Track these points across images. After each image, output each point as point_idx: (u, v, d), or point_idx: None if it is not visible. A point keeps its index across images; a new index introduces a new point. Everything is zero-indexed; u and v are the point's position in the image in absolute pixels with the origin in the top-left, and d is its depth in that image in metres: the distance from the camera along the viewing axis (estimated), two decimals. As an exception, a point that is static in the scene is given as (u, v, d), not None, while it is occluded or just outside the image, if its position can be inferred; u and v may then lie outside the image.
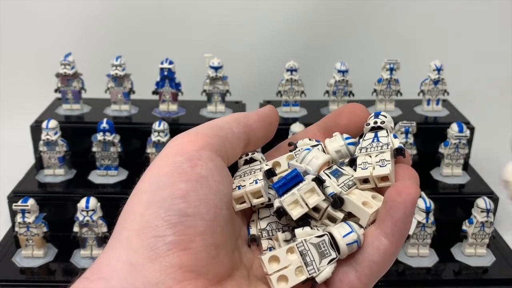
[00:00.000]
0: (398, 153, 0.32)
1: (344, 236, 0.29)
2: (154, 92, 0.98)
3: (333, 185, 0.31)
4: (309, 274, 0.29)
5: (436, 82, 0.97)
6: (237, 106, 1.03)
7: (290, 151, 0.35)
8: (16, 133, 1.06)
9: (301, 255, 0.29)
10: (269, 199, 0.32)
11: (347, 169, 0.33)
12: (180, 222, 0.27)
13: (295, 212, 0.30)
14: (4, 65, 1.26)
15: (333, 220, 0.31)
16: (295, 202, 0.30)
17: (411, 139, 0.87)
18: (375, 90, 0.98)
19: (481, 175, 0.92)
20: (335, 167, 0.33)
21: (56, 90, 0.98)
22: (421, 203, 0.77)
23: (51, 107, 1.00)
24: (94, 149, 0.88)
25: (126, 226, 0.28)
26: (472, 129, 0.93)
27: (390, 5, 1.24)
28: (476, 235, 0.79)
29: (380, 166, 0.31)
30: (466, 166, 0.93)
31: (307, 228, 0.30)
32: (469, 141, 0.92)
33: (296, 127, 0.86)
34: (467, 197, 0.86)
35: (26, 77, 1.26)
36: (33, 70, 1.26)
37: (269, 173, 0.32)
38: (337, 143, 0.34)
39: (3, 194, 0.87)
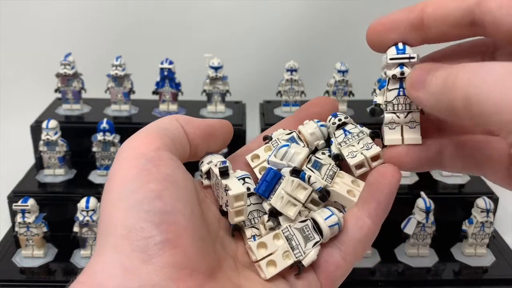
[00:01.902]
0: (375, 135, 0.35)
1: (325, 219, 0.31)
2: (154, 92, 0.98)
3: (319, 180, 0.32)
4: (296, 258, 0.30)
5: (436, 82, 0.97)
6: (237, 106, 1.03)
7: (266, 143, 0.36)
8: (16, 133, 1.06)
9: (287, 240, 0.31)
10: (248, 188, 0.33)
11: (323, 157, 0.35)
12: (163, 221, 0.27)
13: (291, 212, 0.31)
14: (4, 65, 1.26)
15: (317, 203, 0.33)
16: (288, 203, 0.31)
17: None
18: (374, 90, 0.98)
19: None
20: (313, 158, 0.34)
21: (56, 90, 0.98)
22: (421, 203, 0.77)
23: (51, 107, 1.00)
24: (94, 149, 0.88)
25: (110, 233, 0.27)
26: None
27: (390, 5, 1.24)
28: (476, 235, 0.79)
29: (367, 149, 0.34)
30: (466, 166, 0.93)
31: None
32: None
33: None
34: (467, 197, 0.86)
35: (26, 77, 1.26)
36: (33, 70, 1.26)
37: (224, 173, 0.32)
38: (310, 126, 0.36)
39: (3, 194, 0.87)
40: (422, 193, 0.78)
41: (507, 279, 0.77)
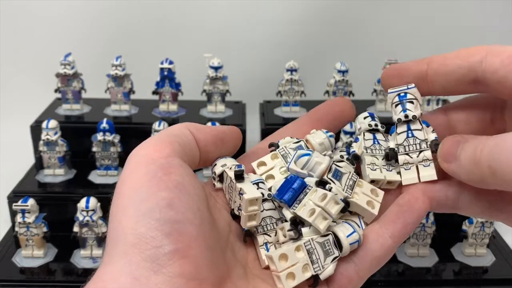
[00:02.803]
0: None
1: (347, 236, 0.30)
2: (154, 92, 0.98)
3: (340, 191, 0.32)
4: (315, 272, 0.30)
5: (436, 82, 0.97)
6: (237, 106, 1.03)
7: (271, 151, 0.35)
8: (16, 133, 1.06)
9: (308, 253, 0.30)
10: (262, 194, 0.32)
11: (342, 164, 0.34)
12: (173, 230, 0.27)
13: (322, 226, 0.31)
14: (4, 65, 1.26)
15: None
16: (320, 216, 0.31)
17: (411, 139, 0.86)
18: (375, 90, 0.98)
19: (481, 175, 0.92)
20: (334, 167, 0.33)
21: (56, 90, 0.98)
22: (421, 203, 0.77)
23: (51, 107, 1.00)
24: (94, 149, 0.88)
25: (120, 241, 0.27)
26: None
27: (390, 5, 1.24)
28: (476, 235, 0.79)
29: (388, 170, 0.34)
30: (466, 166, 0.93)
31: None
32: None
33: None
34: (467, 197, 0.86)
35: (26, 77, 1.26)
36: (33, 70, 1.26)
37: (239, 176, 0.32)
38: (319, 137, 0.36)
39: (3, 194, 0.87)
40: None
41: (507, 279, 0.77)
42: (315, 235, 0.31)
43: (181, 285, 0.26)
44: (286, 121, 0.95)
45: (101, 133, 0.86)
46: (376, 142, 0.35)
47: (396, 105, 0.34)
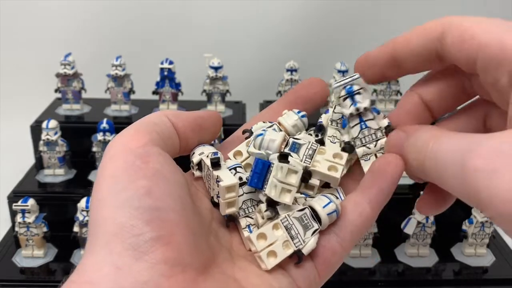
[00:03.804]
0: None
1: (323, 207, 0.30)
2: (154, 92, 0.98)
3: (297, 162, 0.32)
4: (296, 247, 0.30)
5: (436, 82, 0.97)
6: (237, 106, 1.03)
7: (246, 138, 0.35)
8: (16, 133, 1.06)
9: (287, 230, 0.30)
10: (241, 178, 0.33)
11: (301, 136, 0.34)
12: (154, 217, 0.27)
13: (287, 199, 0.31)
14: (4, 65, 1.26)
15: (312, 188, 0.33)
16: (283, 190, 0.31)
17: (411, 139, 0.87)
18: (375, 90, 0.98)
19: (481, 175, 0.92)
20: (291, 141, 0.33)
21: (56, 90, 0.98)
22: (421, 203, 0.77)
23: (51, 107, 1.00)
24: (94, 149, 0.88)
25: (100, 232, 0.27)
26: (472, 129, 0.93)
27: (390, 5, 1.24)
28: (476, 235, 0.79)
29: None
30: (466, 166, 0.93)
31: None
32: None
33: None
34: (467, 197, 0.86)
35: (26, 77, 1.26)
36: (33, 70, 1.26)
37: (215, 164, 0.32)
38: (291, 118, 0.35)
39: (3, 194, 0.87)
40: (422, 193, 0.78)
41: (507, 279, 0.77)
42: (291, 211, 0.31)
43: (164, 271, 0.26)
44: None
45: (101, 133, 0.86)
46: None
47: (345, 99, 0.34)
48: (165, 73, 0.96)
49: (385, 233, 0.79)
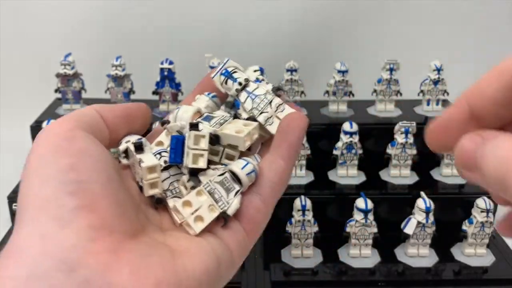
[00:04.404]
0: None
1: (242, 168, 0.32)
2: (154, 92, 0.98)
3: (206, 127, 0.34)
4: (221, 209, 0.32)
5: (436, 82, 0.97)
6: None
7: (165, 128, 0.37)
8: (16, 133, 1.06)
9: (210, 194, 0.32)
10: (165, 161, 0.34)
11: (218, 113, 0.37)
12: (77, 189, 0.28)
13: (201, 163, 0.33)
14: (4, 65, 1.26)
15: (232, 158, 0.35)
16: (195, 156, 0.33)
17: (411, 139, 0.87)
18: (375, 90, 0.98)
19: (481, 175, 0.92)
20: (205, 114, 0.36)
21: (56, 90, 0.98)
22: (421, 203, 0.77)
23: (51, 107, 1.00)
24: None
25: (26, 208, 0.28)
26: (472, 129, 0.93)
27: (390, 5, 1.24)
28: (476, 235, 0.79)
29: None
30: (466, 166, 0.93)
31: (209, 171, 0.33)
32: (469, 141, 0.92)
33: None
34: (467, 197, 0.86)
35: (26, 77, 1.26)
36: (33, 70, 1.26)
37: (138, 147, 0.34)
38: (202, 100, 0.38)
39: (3, 194, 0.87)
40: (422, 193, 0.78)
41: (507, 279, 0.77)
42: (212, 177, 0.33)
43: (90, 235, 0.27)
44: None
45: (101, 133, 0.86)
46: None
47: (226, 82, 0.37)
48: (165, 73, 0.96)
49: (385, 233, 0.79)
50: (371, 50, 1.25)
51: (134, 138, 0.35)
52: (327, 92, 0.98)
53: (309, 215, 0.77)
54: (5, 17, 1.23)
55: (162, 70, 0.96)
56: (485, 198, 0.78)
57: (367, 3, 1.24)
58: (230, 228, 0.32)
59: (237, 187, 0.32)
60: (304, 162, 0.88)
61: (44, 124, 0.86)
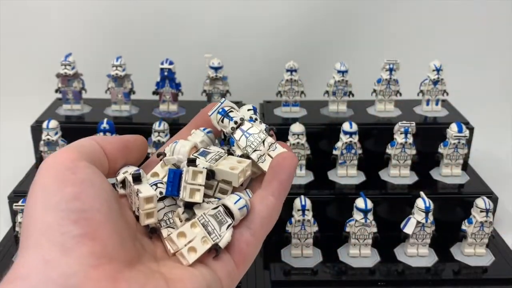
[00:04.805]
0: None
1: (235, 203, 0.34)
2: (154, 93, 0.98)
3: (202, 162, 0.36)
4: (213, 241, 0.33)
5: (435, 82, 0.97)
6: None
7: (161, 160, 0.38)
8: (17, 133, 1.06)
9: (204, 226, 0.34)
10: (161, 192, 0.36)
11: (213, 148, 0.38)
12: (80, 217, 0.29)
13: (198, 197, 0.34)
14: (4, 66, 1.26)
15: (225, 192, 0.36)
16: (192, 191, 0.34)
17: (410, 139, 0.87)
18: (374, 90, 0.98)
19: (481, 175, 0.93)
20: (201, 149, 0.38)
21: (56, 90, 0.98)
22: (420, 203, 0.77)
23: (51, 107, 1.00)
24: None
25: (30, 233, 0.29)
26: (471, 129, 0.93)
27: (390, 5, 1.25)
28: (476, 235, 0.79)
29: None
30: (465, 166, 0.94)
31: (203, 204, 0.35)
32: (468, 141, 0.93)
33: (296, 127, 0.86)
34: (466, 197, 0.86)
35: (27, 77, 1.27)
36: (34, 71, 1.26)
37: (136, 178, 0.35)
38: (198, 135, 0.39)
39: (3, 194, 0.87)
40: (422, 193, 0.78)
41: (506, 279, 0.77)
42: (206, 210, 0.34)
43: (92, 262, 0.28)
44: (286, 121, 0.96)
45: (101, 133, 0.87)
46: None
47: (222, 120, 0.39)
48: (165, 73, 0.96)
49: (384, 233, 0.79)
50: (371, 50, 1.25)
51: (131, 169, 0.37)
52: (327, 92, 0.98)
53: (309, 215, 0.77)
54: (6, 17, 1.24)
55: (162, 70, 0.96)
56: (484, 198, 0.79)
57: (367, 3, 1.24)
58: (221, 259, 0.33)
59: (229, 221, 0.34)
60: (304, 162, 0.88)
61: (45, 124, 0.87)
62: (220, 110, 0.39)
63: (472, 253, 0.81)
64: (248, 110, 0.41)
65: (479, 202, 0.78)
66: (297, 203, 0.76)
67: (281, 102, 0.99)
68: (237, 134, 0.38)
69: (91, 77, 1.00)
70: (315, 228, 0.78)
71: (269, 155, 0.38)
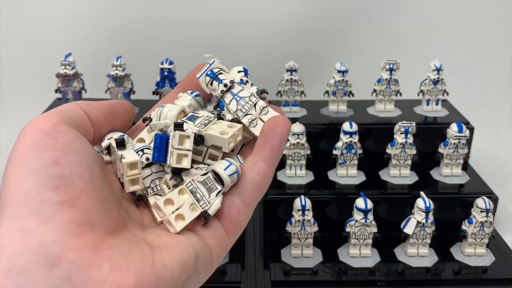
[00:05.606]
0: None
1: (225, 169, 0.33)
2: (154, 93, 0.98)
3: (190, 127, 0.34)
4: (202, 208, 0.32)
5: (435, 82, 0.97)
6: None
7: (146, 125, 0.37)
8: (17, 133, 1.06)
9: (192, 193, 0.32)
10: (148, 158, 0.34)
11: (202, 112, 0.37)
12: (60, 184, 0.27)
13: (185, 163, 0.33)
14: (4, 66, 1.26)
15: (215, 158, 0.35)
16: (179, 156, 0.33)
17: (410, 139, 0.87)
18: (374, 90, 0.98)
19: (481, 175, 0.93)
20: (190, 114, 0.36)
21: (56, 90, 0.98)
22: (420, 203, 0.77)
23: (51, 107, 1.00)
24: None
25: (8, 202, 0.28)
26: (471, 129, 0.93)
27: (390, 5, 1.25)
28: (476, 235, 0.79)
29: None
30: (465, 166, 0.94)
31: (192, 170, 0.33)
32: (469, 141, 0.93)
33: (296, 127, 0.86)
34: (466, 197, 0.86)
35: (27, 77, 1.26)
36: (34, 70, 1.26)
37: (120, 144, 0.34)
38: (185, 99, 0.38)
39: (3, 194, 0.87)
40: (422, 193, 0.78)
41: (506, 279, 0.77)
42: (195, 176, 0.33)
43: (72, 230, 0.26)
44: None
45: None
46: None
47: (211, 83, 0.37)
48: (165, 73, 0.96)
49: (384, 233, 0.79)
50: (371, 50, 1.25)
51: (116, 135, 0.35)
52: (327, 92, 0.98)
53: (309, 215, 0.77)
54: (5, 17, 1.24)
55: (162, 70, 0.96)
56: (485, 198, 0.79)
57: (367, 3, 1.24)
58: (210, 227, 0.32)
59: (219, 188, 0.33)
60: (304, 162, 0.88)
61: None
62: (209, 72, 0.37)
63: (472, 253, 0.81)
64: (239, 72, 0.39)
65: (479, 202, 0.78)
66: (297, 203, 0.76)
67: (281, 102, 0.99)
68: (227, 97, 0.37)
69: (91, 77, 1.00)
70: (315, 228, 0.78)
71: (261, 119, 0.36)
